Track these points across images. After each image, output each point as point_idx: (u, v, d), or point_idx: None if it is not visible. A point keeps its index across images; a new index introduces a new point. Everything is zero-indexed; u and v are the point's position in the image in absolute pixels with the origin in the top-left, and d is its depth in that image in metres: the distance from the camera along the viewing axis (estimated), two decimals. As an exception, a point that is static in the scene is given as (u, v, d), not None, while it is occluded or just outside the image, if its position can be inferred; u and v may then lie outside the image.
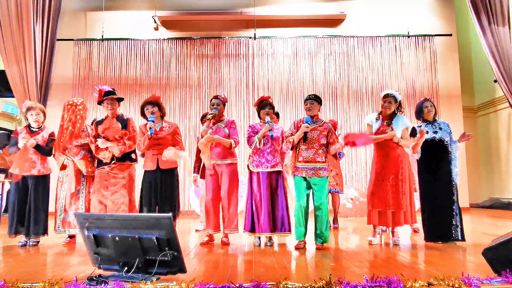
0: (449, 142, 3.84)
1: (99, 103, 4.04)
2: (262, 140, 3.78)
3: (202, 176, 4.36)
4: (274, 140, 3.82)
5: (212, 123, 3.94)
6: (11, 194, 3.99)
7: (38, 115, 4.07)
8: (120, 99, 4.13)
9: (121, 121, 4.00)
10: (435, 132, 3.84)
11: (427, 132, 3.84)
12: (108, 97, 3.95)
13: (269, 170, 3.78)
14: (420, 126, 3.94)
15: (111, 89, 4.05)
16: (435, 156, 3.82)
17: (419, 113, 3.98)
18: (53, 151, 4.09)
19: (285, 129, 4.14)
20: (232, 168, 3.95)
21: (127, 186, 3.91)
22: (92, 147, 3.93)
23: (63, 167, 4.11)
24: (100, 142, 3.84)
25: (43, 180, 4.03)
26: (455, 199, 3.76)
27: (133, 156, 4.03)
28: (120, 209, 3.82)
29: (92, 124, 4.17)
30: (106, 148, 3.86)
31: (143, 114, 4.01)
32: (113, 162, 3.88)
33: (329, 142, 3.72)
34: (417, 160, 3.94)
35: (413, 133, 3.90)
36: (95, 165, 4.10)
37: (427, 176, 3.84)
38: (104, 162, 3.89)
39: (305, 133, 3.63)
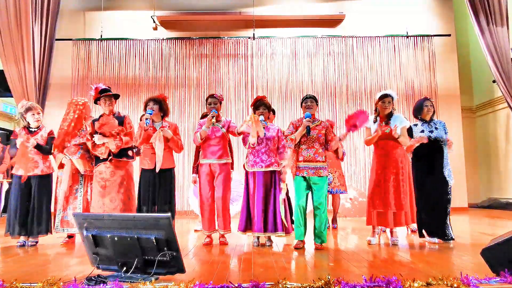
0: (444, 142, 3.86)
1: (95, 101, 4.06)
2: (257, 140, 3.77)
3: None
4: (268, 140, 3.81)
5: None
6: (13, 195, 3.97)
7: (39, 115, 4.09)
8: (116, 96, 4.15)
9: (117, 118, 4.01)
10: (431, 131, 3.86)
11: (423, 131, 3.85)
12: (104, 94, 3.97)
13: (263, 169, 3.79)
14: (416, 124, 3.95)
15: (107, 87, 4.07)
16: (430, 155, 3.83)
17: (419, 110, 3.98)
18: (52, 149, 4.10)
19: (284, 128, 4.13)
20: (227, 168, 3.97)
21: (124, 184, 3.91)
22: (89, 144, 3.93)
23: (62, 166, 4.11)
24: (97, 138, 3.85)
25: (46, 180, 4.04)
26: (450, 198, 3.80)
27: (129, 153, 4.04)
28: (118, 207, 3.82)
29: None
30: (103, 144, 3.86)
31: (145, 110, 4.00)
32: (109, 158, 3.88)
33: (328, 140, 3.73)
34: (411, 158, 3.96)
35: (409, 132, 3.90)
36: (93, 164, 4.10)
37: (422, 175, 3.86)
38: (101, 159, 3.90)
39: (308, 127, 3.64)
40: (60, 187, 4.11)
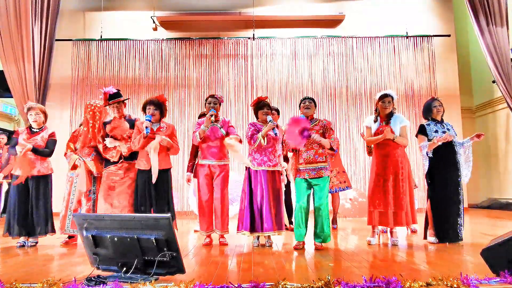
0: (456, 143, 3.85)
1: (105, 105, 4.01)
2: (266, 138, 3.78)
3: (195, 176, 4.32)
4: (275, 141, 3.84)
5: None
6: (11, 196, 3.97)
7: (37, 115, 4.06)
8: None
9: (128, 121, 3.96)
10: (444, 132, 3.83)
11: (437, 131, 3.83)
12: (114, 100, 3.88)
13: (271, 169, 3.81)
14: (429, 124, 3.91)
15: (116, 90, 3.96)
16: (445, 156, 3.80)
17: (428, 112, 3.96)
18: (65, 150, 4.12)
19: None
20: (226, 169, 3.98)
21: (132, 186, 3.88)
22: (100, 147, 3.89)
23: (74, 167, 4.07)
24: (109, 142, 3.81)
25: (43, 180, 4.03)
26: (462, 199, 3.78)
27: None
28: (126, 209, 3.78)
29: None
30: (114, 147, 3.83)
31: (144, 110, 3.97)
32: (120, 161, 3.86)
33: (326, 137, 3.73)
34: (429, 157, 3.84)
35: (423, 131, 3.87)
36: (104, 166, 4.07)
37: (437, 176, 3.80)
38: (111, 161, 3.86)
39: None
40: (72, 188, 4.10)
